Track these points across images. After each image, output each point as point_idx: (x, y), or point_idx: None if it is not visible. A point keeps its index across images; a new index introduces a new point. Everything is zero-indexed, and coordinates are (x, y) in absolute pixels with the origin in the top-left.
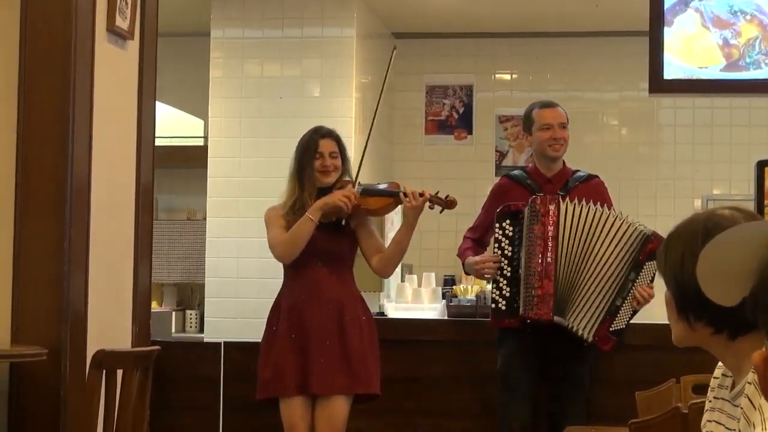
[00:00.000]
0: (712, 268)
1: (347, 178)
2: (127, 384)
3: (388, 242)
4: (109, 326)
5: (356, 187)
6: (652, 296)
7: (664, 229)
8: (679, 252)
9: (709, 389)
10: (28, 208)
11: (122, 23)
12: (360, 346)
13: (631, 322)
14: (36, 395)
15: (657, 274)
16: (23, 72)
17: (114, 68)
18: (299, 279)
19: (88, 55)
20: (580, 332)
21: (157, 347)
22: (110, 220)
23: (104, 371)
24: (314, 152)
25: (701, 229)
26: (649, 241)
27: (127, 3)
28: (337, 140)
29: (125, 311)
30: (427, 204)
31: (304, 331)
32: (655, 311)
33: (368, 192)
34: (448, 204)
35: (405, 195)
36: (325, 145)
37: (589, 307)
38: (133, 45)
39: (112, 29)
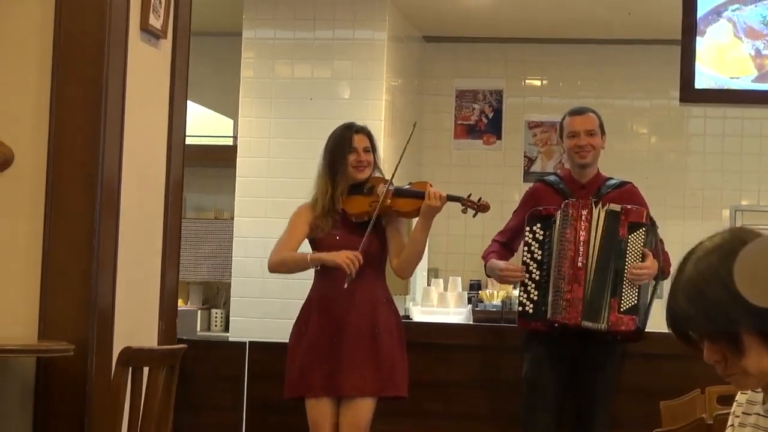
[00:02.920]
0: (750, 270)
1: (378, 175)
2: (152, 382)
3: None
4: (135, 323)
5: (389, 186)
6: (648, 267)
7: (691, 240)
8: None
9: (735, 404)
10: (59, 204)
11: (156, 22)
12: (391, 349)
13: (658, 330)
14: (62, 391)
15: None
16: (56, 69)
17: (147, 67)
18: (331, 278)
19: (121, 54)
20: (595, 327)
21: (183, 345)
22: (139, 218)
23: (130, 369)
24: (348, 147)
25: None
26: (618, 216)
27: (160, 2)
28: (369, 136)
29: (152, 309)
30: (461, 207)
31: (336, 332)
32: None
33: (400, 193)
34: (481, 207)
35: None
36: (359, 140)
37: (601, 301)
38: (166, 44)
39: (145, 28)
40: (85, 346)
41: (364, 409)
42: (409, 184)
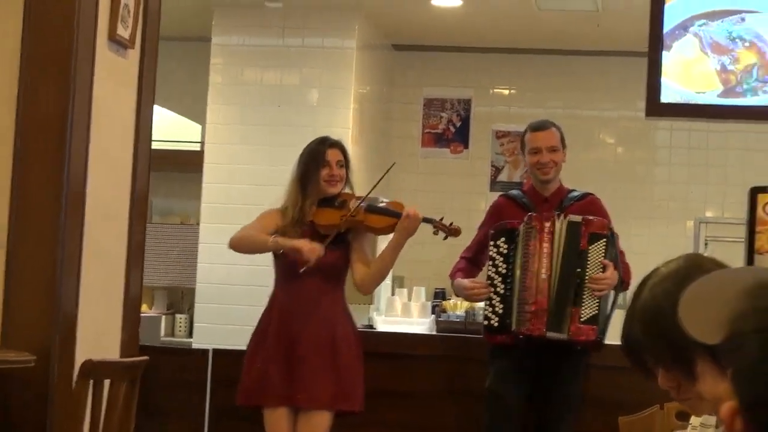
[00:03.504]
0: (694, 306)
1: (348, 191)
2: (113, 394)
3: None
4: (98, 333)
5: (361, 201)
6: (607, 278)
7: (655, 251)
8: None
9: (690, 427)
10: (23, 211)
11: (124, 32)
12: (349, 363)
13: (618, 343)
14: (23, 402)
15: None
16: (24, 78)
17: (114, 76)
18: (293, 289)
19: (88, 63)
20: (558, 337)
21: (145, 358)
22: (104, 226)
23: (91, 381)
24: (322, 161)
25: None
26: (579, 227)
27: (129, 12)
28: (343, 151)
29: (115, 318)
30: (431, 228)
31: (294, 343)
32: None
33: (373, 209)
34: (452, 231)
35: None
36: (333, 155)
37: (564, 311)
38: (134, 54)
39: (113, 38)
40: (48, 356)
41: (321, 422)
42: (383, 201)
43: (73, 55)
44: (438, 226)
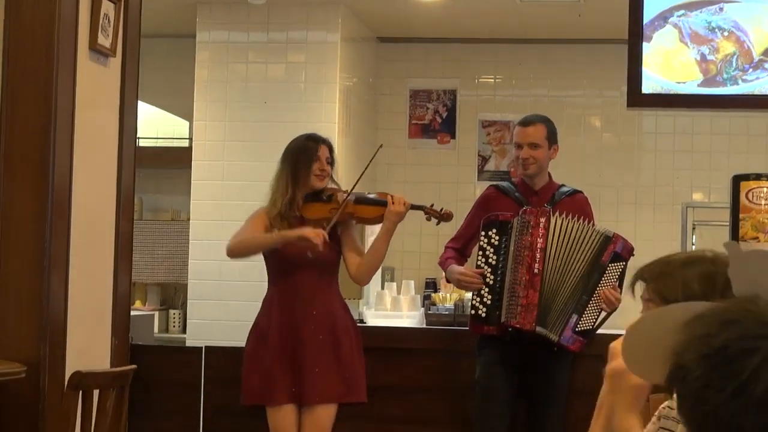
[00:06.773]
0: (635, 348)
1: (333, 185)
2: (103, 403)
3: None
4: (88, 339)
5: (349, 194)
6: (618, 300)
7: (643, 236)
8: None
9: (655, 417)
10: (8, 219)
11: (104, 41)
12: (351, 355)
13: (608, 332)
14: (14, 412)
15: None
16: (6, 90)
17: (96, 84)
18: (289, 286)
19: (70, 74)
20: (547, 335)
21: (133, 366)
22: (90, 232)
23: (81, 392)
24: (313, 156)
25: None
26: (609, 242)
27: (109, 21)
28: (331, 149)
29: (105, 322)
30: (423, 215)
31: (297, 341)
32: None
33: (361, 200)
34: (444, 216)
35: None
36: (323, 151)
37: (560, 311)
38: (115, 62)
39: (94, 47)
40: (37, 366)
41: (326, 415)
42: (371, 194)
43: (55, 66)
44: (429, 212)
